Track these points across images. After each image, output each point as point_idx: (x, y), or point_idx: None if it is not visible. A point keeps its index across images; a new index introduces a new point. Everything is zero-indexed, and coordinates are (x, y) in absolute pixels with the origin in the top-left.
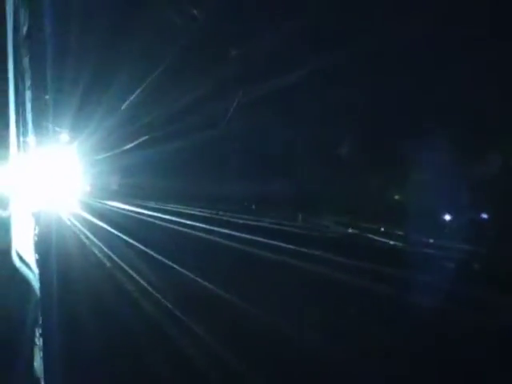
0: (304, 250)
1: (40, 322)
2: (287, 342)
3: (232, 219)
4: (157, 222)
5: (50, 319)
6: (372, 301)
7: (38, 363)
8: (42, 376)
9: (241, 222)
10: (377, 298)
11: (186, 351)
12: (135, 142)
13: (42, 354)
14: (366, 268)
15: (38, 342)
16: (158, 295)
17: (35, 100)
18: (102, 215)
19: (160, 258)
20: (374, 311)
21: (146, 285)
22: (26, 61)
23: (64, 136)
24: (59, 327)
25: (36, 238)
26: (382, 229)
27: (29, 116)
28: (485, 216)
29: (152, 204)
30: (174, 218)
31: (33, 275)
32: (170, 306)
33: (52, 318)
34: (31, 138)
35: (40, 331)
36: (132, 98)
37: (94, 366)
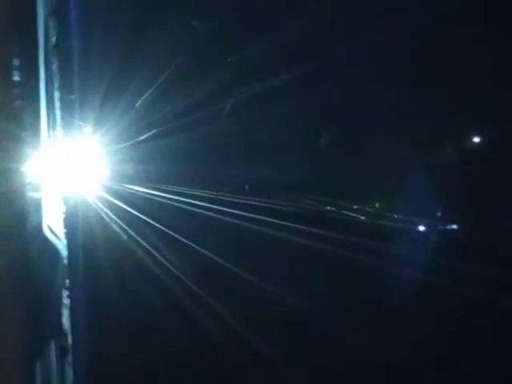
0: (287, 223)
1: (67, 284)
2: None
3: (228, 198)
4: (163, 200)
5: (76, 282)
6: (334, 263)
7: (65, 319)
8: (69, 330)
9: (236, 200)
10: (338, 259)
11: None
12: (148, 134)
13: (69, 312)
14: (335, 237)
15: (66, 301)
16: (160, 257)
17: (63, 99)
18: (120, 195)
19: (162, 227)
20: (336, 271)
21: (152, 250)
22: (55, 66)
23: (88, 129)
24: (84, 288)
25: (64, 215)
26: (355, 206)
27: (57, 112)
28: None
29: (162, 186)
30: (177, 197)
31: (61, 245)
32: (168, 264)
33: (78, 280)
34: (60, 131)
35: (67, 292)
36: (145, 95)
37: (113, 318)
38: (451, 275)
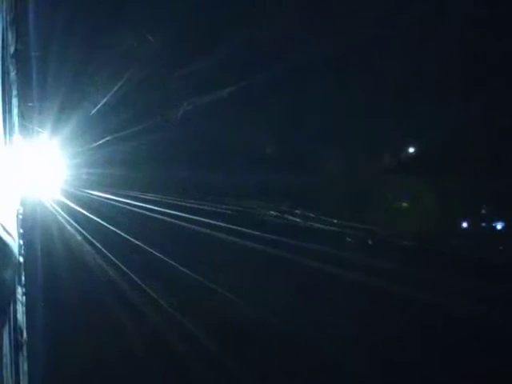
0: (230, 226)
1: (23, 281)
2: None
3: (174, 202)
4: (113, 202)
5: (32, 279)
6: (255, 257)
7: (20, 315)
8: (25, 326)
9: (180, 204)
10: (261, 254)
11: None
12: (103, 140)
13: (24, 309)
14: (271, 238)
15: (21, 297)
16: (109, 255)
17: (21, 106)
18: (75, 197)
19: (108, 224)
20: (258, 264)
21: (102, 248)
22: (13, 74)
23: (45, 135)
24: (41, 283)
25: (21, 216)
26: (297, 211)
27: (15, 119)
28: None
29: (113, 190)
30: (124, 200)
31: (14, 243)
32: (119, 263)
33: (35, 277)
34: (17, 136)
35: (23, 289)
36: (101, 104)
37: (71, 313)
38: (362, 269)
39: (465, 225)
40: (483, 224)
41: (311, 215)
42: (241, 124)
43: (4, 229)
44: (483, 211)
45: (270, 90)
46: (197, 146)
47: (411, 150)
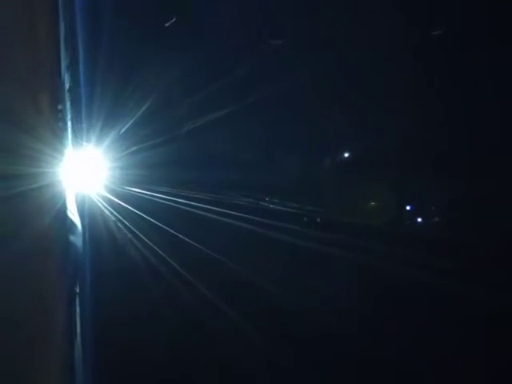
0: (213, 208)
1: (81, 250)
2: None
3: (184, 193)
4: (147, 196)
5: (85, 249)
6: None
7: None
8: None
9: (181, 193)
10: (244, 230)
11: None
12: (135, 148)
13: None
14: (246, 217)
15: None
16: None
17: (74, 126)
18: (114, 192)
19: (143, 214)
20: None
21: (138, 233)
22: (68, 104)
23: (92, 147)
24: (90, 256)
25: (76, 208)
26: (267, 198)
27: (70, 136)
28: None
29: (143, 186)
30: (157, 194)
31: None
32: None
33: (85, 251)
34: (72, 149)
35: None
36: (133, 120)
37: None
38: (314, 240)
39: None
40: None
41: (276, 201)
42: (229, 135)
43: (72, 214)
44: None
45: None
46: (200, 153)
47: (346, 154)
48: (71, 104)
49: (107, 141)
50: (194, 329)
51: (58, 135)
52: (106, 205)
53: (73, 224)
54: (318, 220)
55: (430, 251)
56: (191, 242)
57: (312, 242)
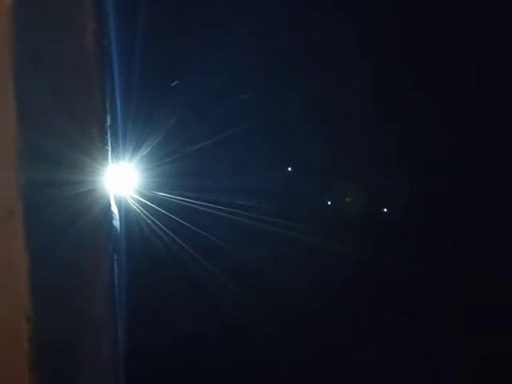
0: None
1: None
2: None
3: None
4: (167, 198)
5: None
6: None
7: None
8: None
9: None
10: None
11: None
12: (165, 160)
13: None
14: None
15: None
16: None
17: (112, 144)
18: (145, 195)
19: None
20: None
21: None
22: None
23: (127, 160)
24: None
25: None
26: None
27: (109, 157)
28: None
29: (170, 191)
30: (173, 196)
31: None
32: None
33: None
34: (111, 163)
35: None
36: (161, 135)
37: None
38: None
39: None
40: None
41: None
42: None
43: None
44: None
45: None
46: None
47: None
48: (111, 134)
49: (140, 154)
50: None
51: (99, 146)
52: (137, 205)
53: (114, 219)
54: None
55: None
56: (184, 222)
57: (259, 222)
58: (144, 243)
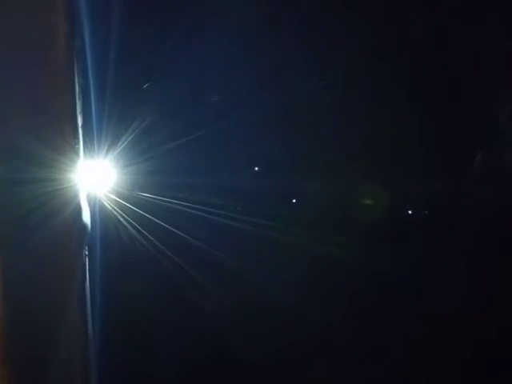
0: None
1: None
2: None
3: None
4: (144, 197)
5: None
6: None
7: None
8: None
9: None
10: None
11: None
12: (143, 157)
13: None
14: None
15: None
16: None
17: (85, 139)
18: (122, 194)
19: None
20: None
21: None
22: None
23: (102, 156)
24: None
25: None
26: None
27: (82, 148)
28: None
29: (149, 190)
30: (149, 195)
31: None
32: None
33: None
34: (85, 159)
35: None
36: (137, 130)
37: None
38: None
39: None
40: None
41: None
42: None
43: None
44: None
45: None
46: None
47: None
48: (82, 111)
49: (117, 151)
50: None
51: (72, 144)
52: (113, 205)
53: (86, 219)
54: (239, 208)
55: None
56: (155, 219)
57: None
58: (117, 239)
